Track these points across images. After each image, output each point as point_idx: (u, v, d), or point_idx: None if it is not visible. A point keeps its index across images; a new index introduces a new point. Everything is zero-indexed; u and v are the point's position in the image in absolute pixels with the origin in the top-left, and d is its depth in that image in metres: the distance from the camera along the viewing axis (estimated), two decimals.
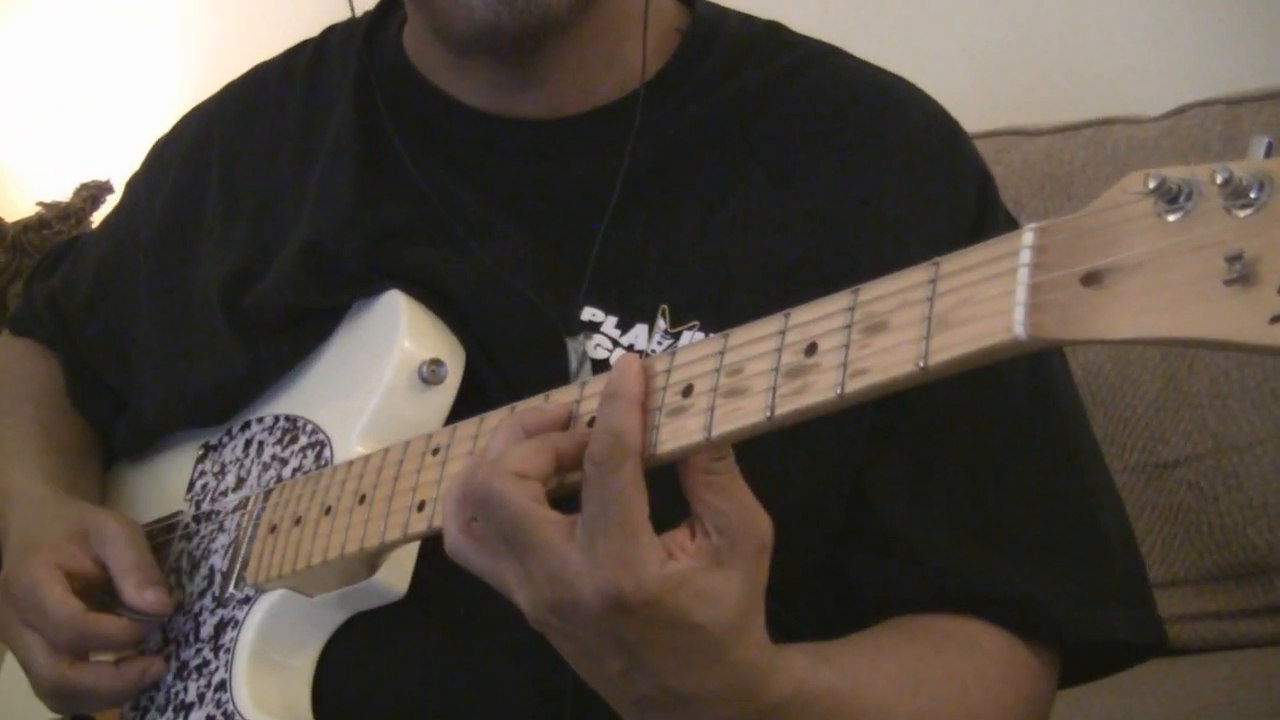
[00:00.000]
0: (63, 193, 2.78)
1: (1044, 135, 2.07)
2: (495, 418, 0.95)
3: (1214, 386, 1.84)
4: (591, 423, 0.86)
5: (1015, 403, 1.08)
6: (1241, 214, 0.62)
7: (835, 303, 0.78)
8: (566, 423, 0.88)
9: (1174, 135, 1.98)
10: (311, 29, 1.32)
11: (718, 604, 0.82)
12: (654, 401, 0.84)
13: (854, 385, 0.76)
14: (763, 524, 0.84)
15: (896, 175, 1.11)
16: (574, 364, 1.06)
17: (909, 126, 1.14)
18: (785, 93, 1.15)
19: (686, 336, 1.05)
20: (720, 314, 1.05)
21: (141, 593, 1.13)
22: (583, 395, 0.89)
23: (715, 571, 0.82)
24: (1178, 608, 1.82)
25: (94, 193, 2.70)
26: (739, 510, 0.83)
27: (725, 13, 1.21)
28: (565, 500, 0.85)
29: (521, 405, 0.93)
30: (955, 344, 0.71)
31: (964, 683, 1.00)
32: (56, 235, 2.65)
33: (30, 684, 1.18)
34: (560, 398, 0.91)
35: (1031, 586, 1.05)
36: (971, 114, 1.18)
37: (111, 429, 1.36)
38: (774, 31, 1.21)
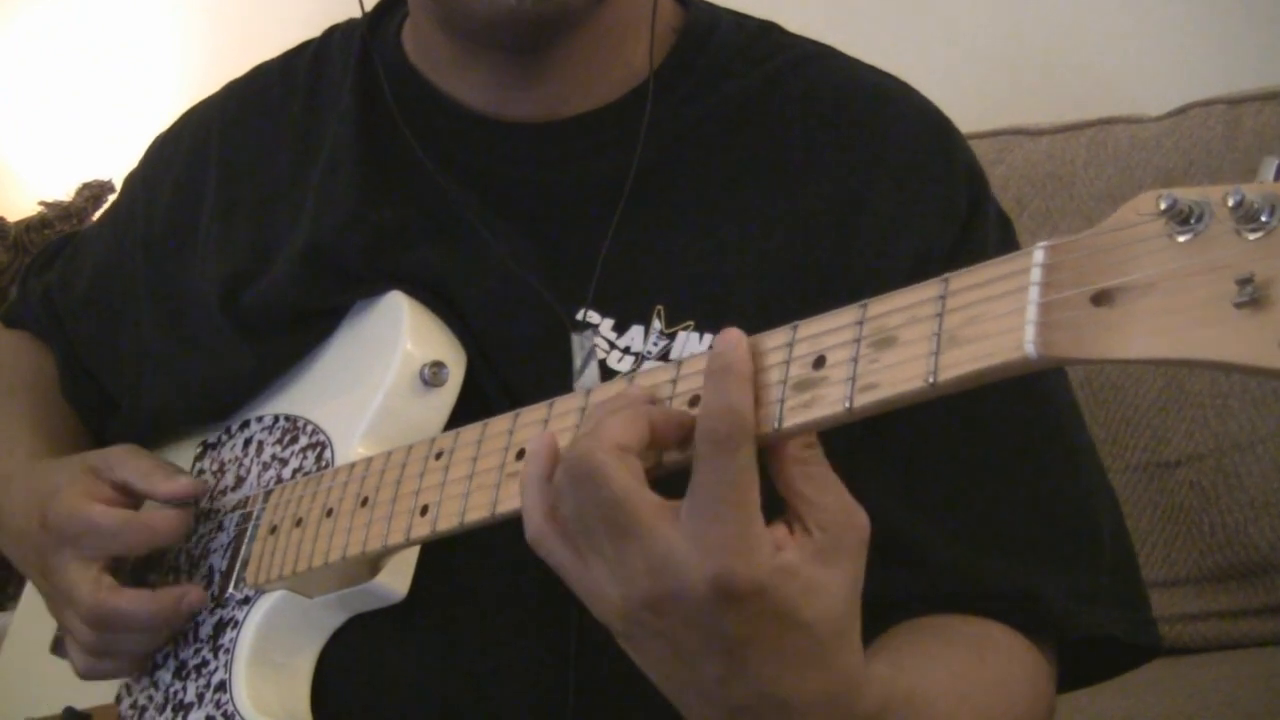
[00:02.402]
0: (64, 192, 2.79)
1: (1046, 135, 2.08)
2: (500, 423, 0.94)
3: (1215, 386, 1.84)
4: (693, 402, 0.81)
5: (1008, 401, 1.07)
6: (1252, 237, 0.62)
7: (843, 316, 0.78)
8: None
9: (1175, 135, 1.98)
10: (312, 28, 1.32)
11: (825, 601, 0.78)
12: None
13: (863, 400, 0.75)
14: (861, 517, 0.80)
15: (890, 173, 1.10)
16: (578, 362, 1.05)
17: (903, 125, 1.13)
18: (780, 93, 1.14)
19: (681, 337, 1.05)
20: (715, 314, 1.05)
21: (173, 482, 1.16)
22: (679, 374, 0.84)
23: (821, 567, 0.78)
24: (1179, 607, 1.83)
25: (96, 192, 2.71)
26: (838, 503, 0.80)
27: (720, 13, 1.21)
28: (654, 484, 0.80)
29: (599, 389, 0.88)
30: (965, 361, 0.71)
31: (1009, 693, 1.00)
32: (58, 234, 2.65)
33: (61, 632, 1.19)
34: (647, 380, 0.86)
35: (1031, 583, 1.04)
36: (974, 114, 1.19)
37: (103, 425, 1.36)
38: (768, 32, 1.20)
